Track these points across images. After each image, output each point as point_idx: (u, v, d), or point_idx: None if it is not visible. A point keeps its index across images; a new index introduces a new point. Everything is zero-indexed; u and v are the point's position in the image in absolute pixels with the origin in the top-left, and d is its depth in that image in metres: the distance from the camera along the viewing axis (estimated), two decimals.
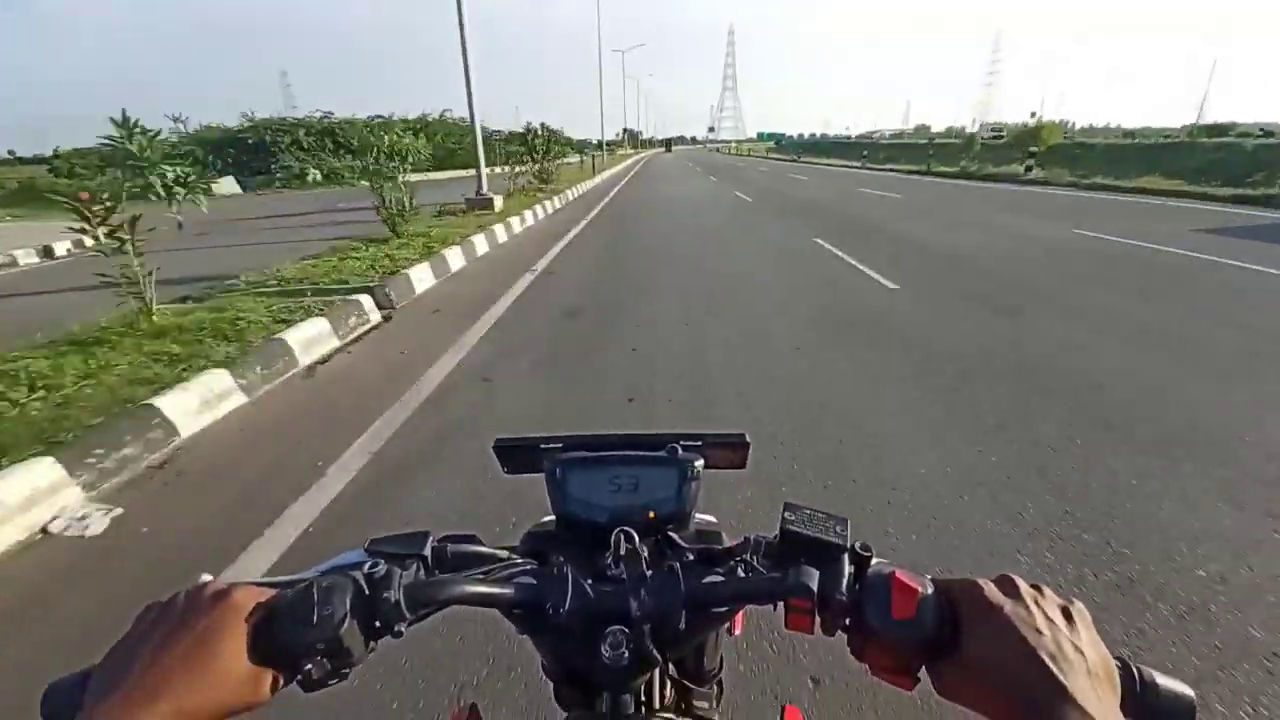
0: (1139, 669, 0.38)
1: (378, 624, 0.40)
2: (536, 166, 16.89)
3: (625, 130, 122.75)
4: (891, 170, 27.11)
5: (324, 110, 36.42)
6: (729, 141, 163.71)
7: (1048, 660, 0.35)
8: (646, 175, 28.01)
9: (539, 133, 17.27)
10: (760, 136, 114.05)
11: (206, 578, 0.41)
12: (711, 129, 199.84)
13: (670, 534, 0.54)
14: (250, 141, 26.25)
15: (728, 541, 0.55)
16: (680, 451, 0.57)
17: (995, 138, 33.10)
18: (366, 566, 0.43)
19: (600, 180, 22.88)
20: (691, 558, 0.52)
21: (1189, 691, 0.38)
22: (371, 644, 0.41)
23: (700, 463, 0.57)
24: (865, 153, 35.73)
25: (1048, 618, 0.38)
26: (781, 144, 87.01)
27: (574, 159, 35.98)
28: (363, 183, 12.69)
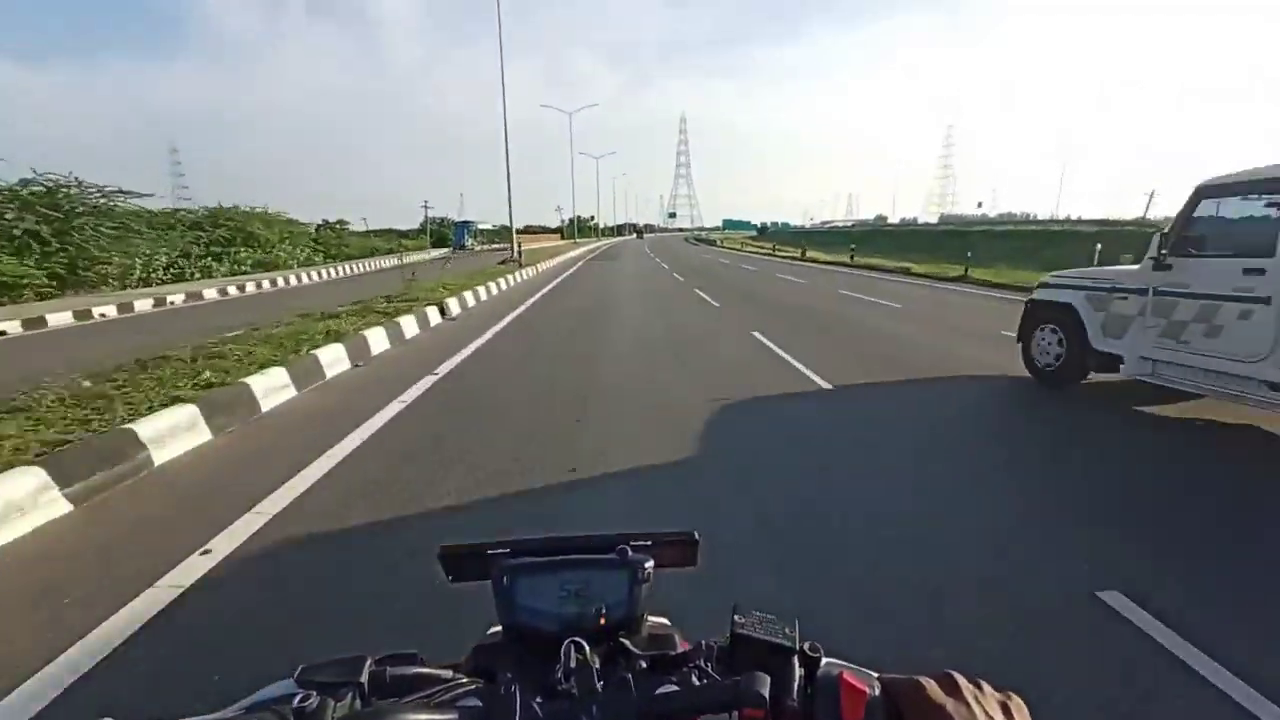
0: None
1: None
2: None
3: (565, 220, 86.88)
4: None
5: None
6: (704, 229, 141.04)
7: None
8: None
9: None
10: (726, 224, 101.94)
11: None
12: (672, 214, 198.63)
13: (623, 640, 0.53)
14: None
15: (680, 645, 0.55)
16: (630, 552, 0.56)
17: None
18: (296, 700, 0.40)
19: None
20: (644, 665, 0.51)
21: None
22: None
23: (650, 564, 0.56)
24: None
25: (987, 714, 0.39)
26: (766, 233, 69.29)
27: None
28: None
